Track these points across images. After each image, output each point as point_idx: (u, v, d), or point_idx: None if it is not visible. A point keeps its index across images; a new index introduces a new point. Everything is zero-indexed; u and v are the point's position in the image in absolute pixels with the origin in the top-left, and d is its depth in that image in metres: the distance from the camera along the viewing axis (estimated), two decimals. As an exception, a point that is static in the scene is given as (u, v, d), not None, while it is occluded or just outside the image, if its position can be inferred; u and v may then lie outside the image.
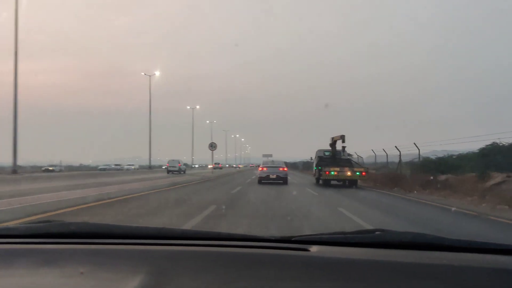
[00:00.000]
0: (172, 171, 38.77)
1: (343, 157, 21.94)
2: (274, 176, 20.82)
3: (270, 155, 75.02)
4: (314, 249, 1.21)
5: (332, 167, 19.28)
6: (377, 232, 1.34)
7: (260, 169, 21.81)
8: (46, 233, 1.38)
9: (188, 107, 67.96)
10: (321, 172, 19.87)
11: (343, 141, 20.27)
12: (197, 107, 68.10)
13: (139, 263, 1.12)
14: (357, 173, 19.05)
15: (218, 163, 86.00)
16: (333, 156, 21.96)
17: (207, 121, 78.69)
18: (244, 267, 1.10)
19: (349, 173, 18.97)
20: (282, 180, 20.84)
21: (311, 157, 25.66)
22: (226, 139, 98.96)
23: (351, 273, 1.06)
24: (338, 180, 20.28)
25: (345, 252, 1.22)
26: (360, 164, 22.37)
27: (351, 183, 19.61)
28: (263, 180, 20.83)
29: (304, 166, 62.70)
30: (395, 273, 1.07)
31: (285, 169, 21.98)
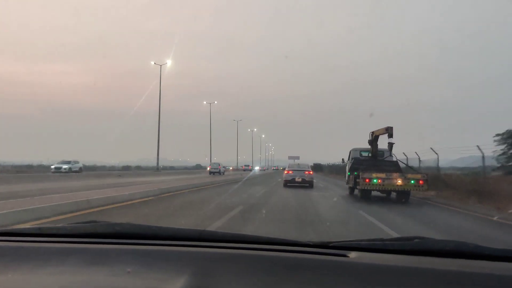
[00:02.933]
0: (213, 172, 45.29)
1: (388, 158, 16.02)
2: (300, 180, 20.40)
3: (297, 157, 69.74)
4: (352, 255, 1.20)
5: (375, 172, 13.45)
6: (416, 240, 1.30)
7: (285, 172, 21.40)
8: (92, 233, 1.41)
9: (205, 102, 64.49)
10: (357, 179, 14.08)
11: (390, 136, 14.36)
12: (215, 102, 65.48)
13: (183, 264, 1.14)
14: (412, 182, 13.11)
15: (248, 165, 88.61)
16: (374, 157, 16.13)
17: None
18: (283, 271, 1.10)
19: (399, 182, 13.07)
20: (308, 184, 20.37)
21: (342, 159, 19.80)
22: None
23: (390, 280, 1.05)
24: (381, 191, 14.39)
25: (384, 259, 1.19)
26: (415, 169, 16.24)
27: (401, 196, 13.72)
28: (289, 184, 20.37)
29: (333, 170, 56.39)
30: (435, 281, 1.04)
31: (311, 172, 21.30)
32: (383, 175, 13.15)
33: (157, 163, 42.46)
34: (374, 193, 14.43)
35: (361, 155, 17.16)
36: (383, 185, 13.12)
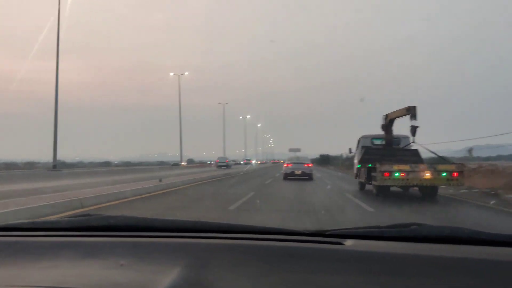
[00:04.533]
0: (221, 166, 45.44)
1: (408, 147, 13.19)
2: (299, 172, 20.37)
3: (298, 150, 66.13)
4: (348, 242, 1.17)
5: (397, 163, 10.64)
6: (412, 226, 1.27)
7: (285, 165, 21.43)
8: (86, 226, 1.40)
9: (172, 73, 48.38)
10: (372, 173, 11.29)
11: (413, 117, 11.50)
12: (185, 73, 49.61)
13: (177, 256, 1.12)
14: (443, 174, 10.31)
15: (249, 159, 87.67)
16: (389, 145, 13.34)
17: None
18: (279, 259, 1.08)
19: (428, 175, 10.28)
20: (307, 176, 20.29)
21: (349, 149, 16.99)
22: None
23: (387, 266, 1.02)
24: (402, 187, 11.60)
25: (380, 246, 1.17)
26: (446, 159, 13.35)
27: (427, 193, 10.97)
28: (289, 176, 20.27)
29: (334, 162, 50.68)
30: (432, 267, 1.02)
31: (310, 165, 21.27)
32: (407, 167, 10.34)
33: (54, 158, 24.84)
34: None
35: (373, 143, 14.34)
36: (407, 179, 10.29)
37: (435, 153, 12.79)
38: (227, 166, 46.99)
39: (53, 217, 4.54)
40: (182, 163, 45.99)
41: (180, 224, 1.40)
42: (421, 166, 10.44)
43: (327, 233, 1.26)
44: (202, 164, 63.53)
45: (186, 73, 46.22)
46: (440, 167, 10.48)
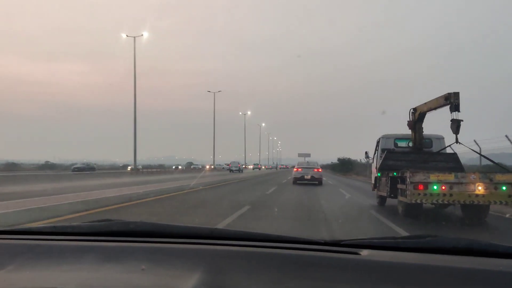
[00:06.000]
0: (233, 170, 46.98)
1: (442, 151, 10.05)
2: (309, 177, 20.70)
3: (308, 155, 62.86)
4: (364, 253, 1.18)
5: (435, 172, 7.57)
6: (428, 238, 1.29)
7: (295, 170, 21.92)
8: (107, 231, 1.42)
9: (126, 35, 36.83)
10: (399, 185, 8.25)
11: (455, 108, 8.34)
12: (145, 35, 37.71)
13: (196, 261, 1.14)
14: (503, 188, 7.22)
15: (258, 164, 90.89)
16: (419, 149, 10.27)
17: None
18: (294, 268, 1.09)
19: (480, 188, 7.19)
20: (316, 181, 20.64)
21: (366, 153, 13.97)
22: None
23: (403, 277, 1.03)
24: (439, 205, 8.47)
25: (396, 256, 1.17)
26: (505, 166, 10.04)
27: (474, 213, 7.88)
28: (298, 181, 20.70)
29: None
30: (448, 278, 1.02)
31: (320, 170, 21.66)
32: (450, 177, 7.27)
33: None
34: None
35: (396, 145, 11.31)
36: (451, 194, 7.23)
37: (491, 160, 9.61)
38: (239, 170, 48.31)
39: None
40: (129, 168, 39.36)
41: (198, 230, 1.43)
42: (471, 176, 7.34)
43: (343, 242, 1.26)
44: (169, 169, 55.02)
45: (144, 34, 36.35)
46: (499, 177, 7.35)
